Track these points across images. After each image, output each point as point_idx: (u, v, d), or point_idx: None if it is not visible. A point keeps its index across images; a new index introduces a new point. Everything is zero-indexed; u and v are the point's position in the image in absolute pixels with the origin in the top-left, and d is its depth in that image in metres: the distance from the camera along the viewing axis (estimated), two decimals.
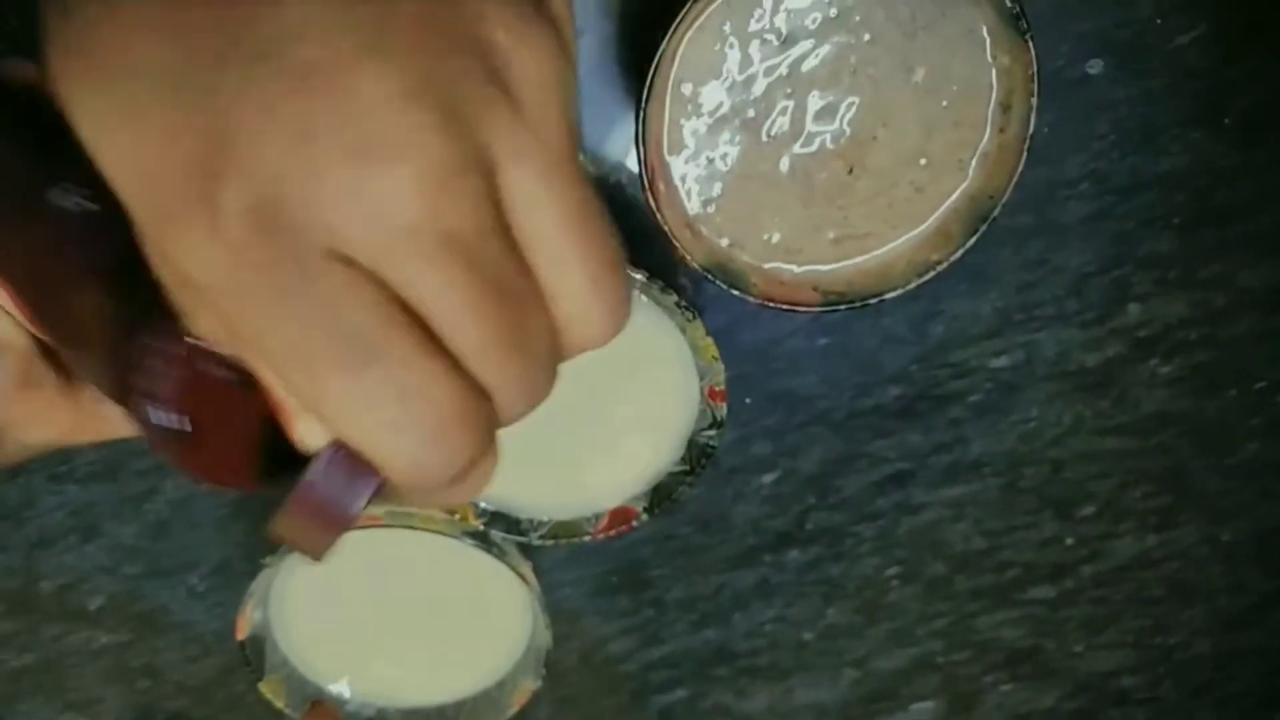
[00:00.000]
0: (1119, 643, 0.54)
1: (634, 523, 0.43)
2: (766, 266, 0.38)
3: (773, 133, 0.36)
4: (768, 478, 0.50)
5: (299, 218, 0.15)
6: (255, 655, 0.45)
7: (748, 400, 0.48)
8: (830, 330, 0.47)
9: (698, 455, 0.42)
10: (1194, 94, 0.43)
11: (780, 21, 0.34)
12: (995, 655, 0.54)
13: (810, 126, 0.36)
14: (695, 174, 0.37)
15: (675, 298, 0.38)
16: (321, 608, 0.46)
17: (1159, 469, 0.50)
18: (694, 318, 0.38)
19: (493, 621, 0.46)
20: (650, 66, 0.33)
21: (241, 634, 0.44)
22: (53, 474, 0.49)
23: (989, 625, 0.54)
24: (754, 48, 0.35)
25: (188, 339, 0.19)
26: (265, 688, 0.46)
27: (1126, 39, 0.41)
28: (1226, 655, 0.55)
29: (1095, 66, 0.42)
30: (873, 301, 0.38)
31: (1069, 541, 0.52)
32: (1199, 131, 0.43)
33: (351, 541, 0.45)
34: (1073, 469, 0.50)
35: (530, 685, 0.46)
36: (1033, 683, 0.55)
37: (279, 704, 0.46)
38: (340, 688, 0.47)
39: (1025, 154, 0.36)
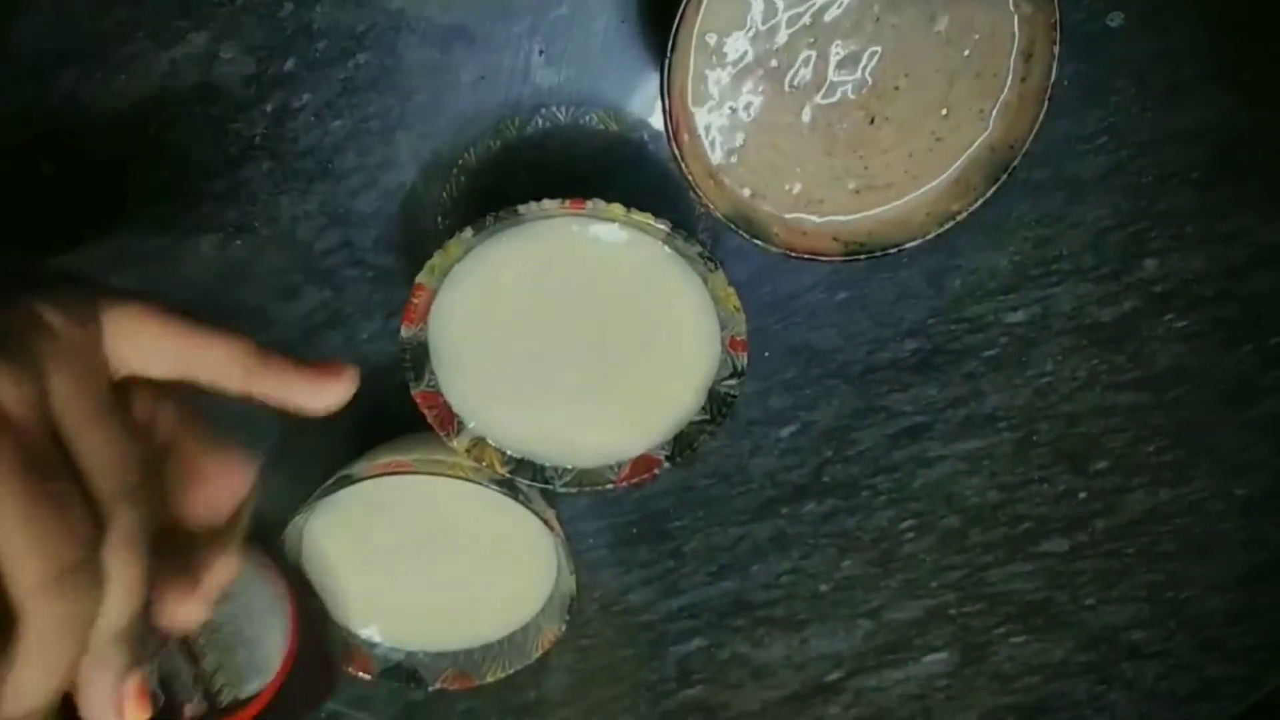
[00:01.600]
0: (1131, 597, 0.55)
1: (656, 471, 0.44)
2: (788, 217, 0.39)
3: (795, 83, 0.37)
4: (786, 431, 0.51)
5: None
6: None
7: (766, 354, 0.49)
8: (848, 284, 0.47)
9: (718, 405, 0.43)
10: (1213, 50, 0.43)
11: None
12: (1008, 607, 0.55)
13: (832, 76, 0.37)
14: (719, 124, 0.37)
15: (698, 248, 0.38)
16: (352, 555, 0.47)
17: (1173, 424, 0.51)
18: (716, 268, 0.39)
19: (519, 568, 0.47)
20: (675, 17, 0.34)
21: None
22: None
23: (1002, 578, 0.55)
24: None
25: None
26: None
27: None
28: (1238, 611, 0.56)
29: (1116, 19, 0.42)
30: (892, 251, 0.38)
31: (1082, 495, 0.53)
32: (1219, 87, 0.43)
33: (380, 489, 0.46)
34: (1087, 423, 0.51)
35: (554, 631, 0.47)
36: (1044, 635, 0.56)
37: None
38: (370, 633, 0.48)
39: (1047, 103, 0.36)
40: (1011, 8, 0.35)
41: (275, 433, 0.50)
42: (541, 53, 0.42)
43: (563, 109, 0.44)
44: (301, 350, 0.48)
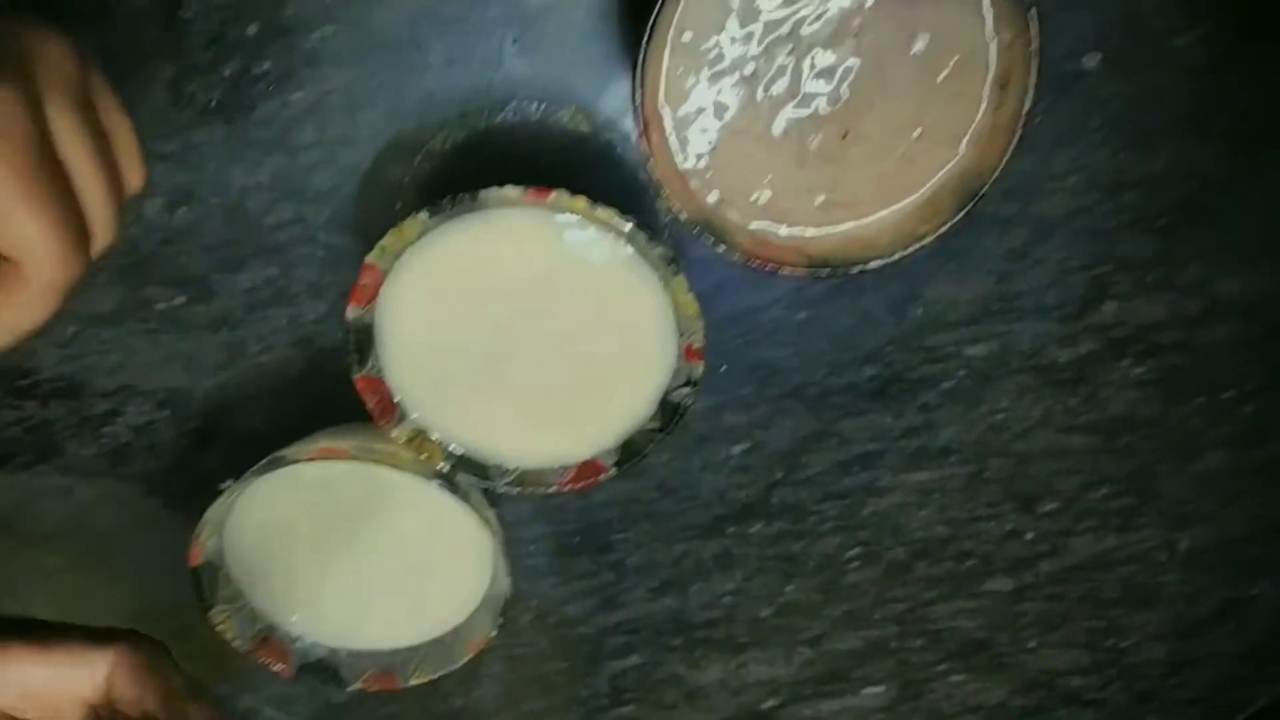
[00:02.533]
0: (1072, 642, 0.55)
1: (601, 477, 0.43)
2: (753, 226, 0.38)
3: (770, 91, 0.36)
4: (737, 448, 0.50)
5: None
6: (207, 584, 0.45)
7: (723, 368, 0.48)
8: (810, 304, 0.47)
9: (670, 414, 0.42)
10: (1188, 97, 0.43)
11: None
12: (949, 644, 0.55)
13: (808, 87, 0.36)
14: (690, 126, 0.37)
15: (660, 250, 0.38)
16: (278, 540, 0.45)
17: (1123, 470, 0.51)
18: (678, 272, 0.38)
19: (452, 568, 0.46)
20: (652, 12, 0.33)
21: (194, 561, 0.44)
22: (13, 388, 0.48)
23: (945, 614, 0.54)
24: (758, 2, 0.35)
25: None
26: (215, 618, 0.45)
27: (1125, 35, 0.42)
28: (1177, 662, 0.55)
29: (1092, 60, 0.42)
30: (856, 270, 0.38)
31: (1029, 536, 0.52)
32: (1190, 135, 0.44)
33: (314, 474, 0.44)
34: (1038, 464, 0.51)
35: (484, 635, 0.45)
36: (984, 675, 0.56)
37: (228, 636, 0.45)
38: (292, 624, 0.46)
39: (1019, 133, 0.36)
40: (990, 34, 0.35)
41: None
42: (515, 41, 0.41)
43: (535, 103, 0.44)
44: (243, 325, 0.47)
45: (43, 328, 0.29)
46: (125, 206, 0.31)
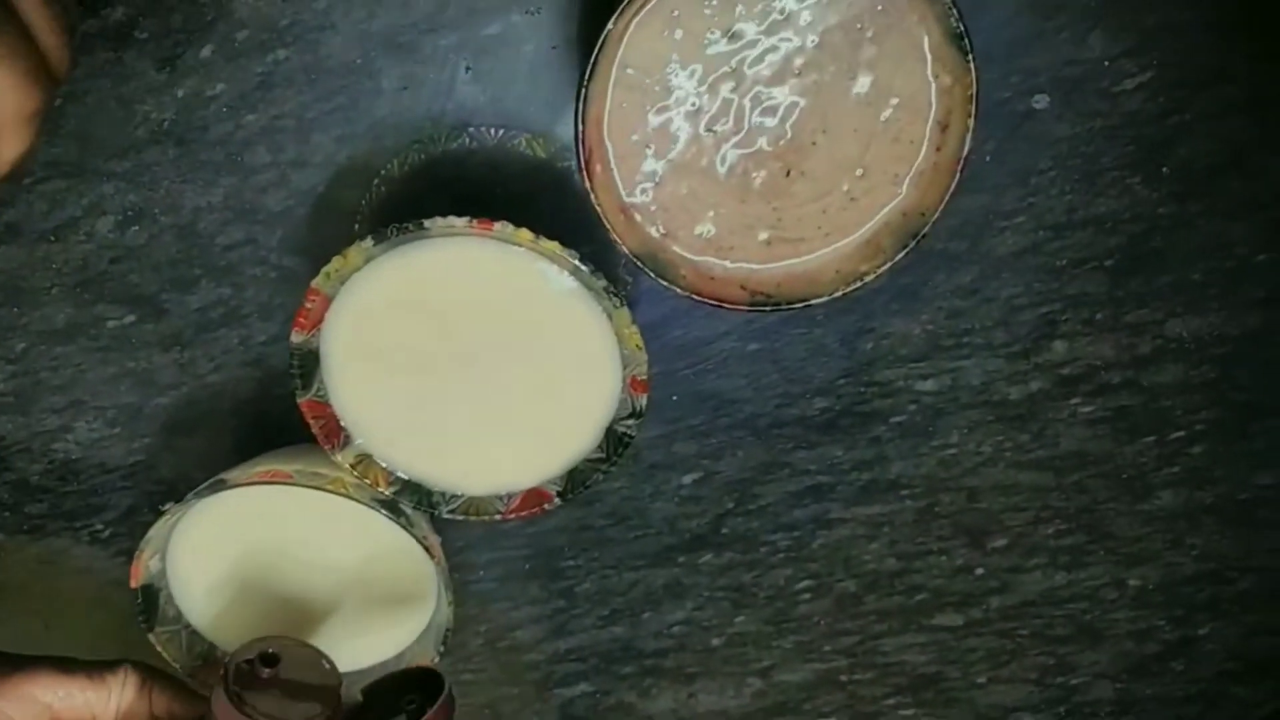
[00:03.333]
0: (1021, 678, 0.55)
1: (546, 506, 0.43)
2: (697, 260, 0.38)
3: (714, 127, 0.36)
4: (688, 478, 0.50)
5: None
6: (148, 605, 0.44)
7: (674, 398, 0.48)
8: (761, 336, 0.47)
9: (615, 444, 0.42)
10: (1136, 139, 0.43)
11: (730, 16, 0.35)
12: (899, 678, 0.55)
13: (752, 124, 0.36)
14: (634, 160, 0.37)
15: (604, 282, 0.38)
16: (221, 563, 0.45)
17: (1072, 508, 0.51)
18: (621, 304, 0.38)
19: (395, 594, 0.46)
20: (595, 46, 0.34)
21: (135, 581, 0.43)
22: None
23: (895, 647, 0.54)
24: (703, 39, 0.35)
25: None
26: (156, 640, 0.45)
27: (1075, 77, 0.42)
28: (1125, 701, 0.55)
29: (1041, 101, 0.43)
30: (799, 306, 0.38)
31: (979, 571, 0.52)
32: (1138, 177, 0.44)
33: (257, 498, 0.44)
34: (988, 499, 0.51)
35: (428, 661, 0.45)
36: (933, 710, 0.55)
37: (168, 657, 0.45)
38: (232, 648, 0.46)
39: (959, 175, 0.36)
40: (930, 77, 0.35)
41: None
42: (468, 69, 0.41)
43: (491, 130, 0.44)
44: (194, 346, 0.47)
45: (21, 165, 0.30)
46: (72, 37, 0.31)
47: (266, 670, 0.38)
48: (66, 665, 0.37)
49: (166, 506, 0.41)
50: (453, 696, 0.39)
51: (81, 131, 0.42)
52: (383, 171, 0.44)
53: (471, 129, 0.43)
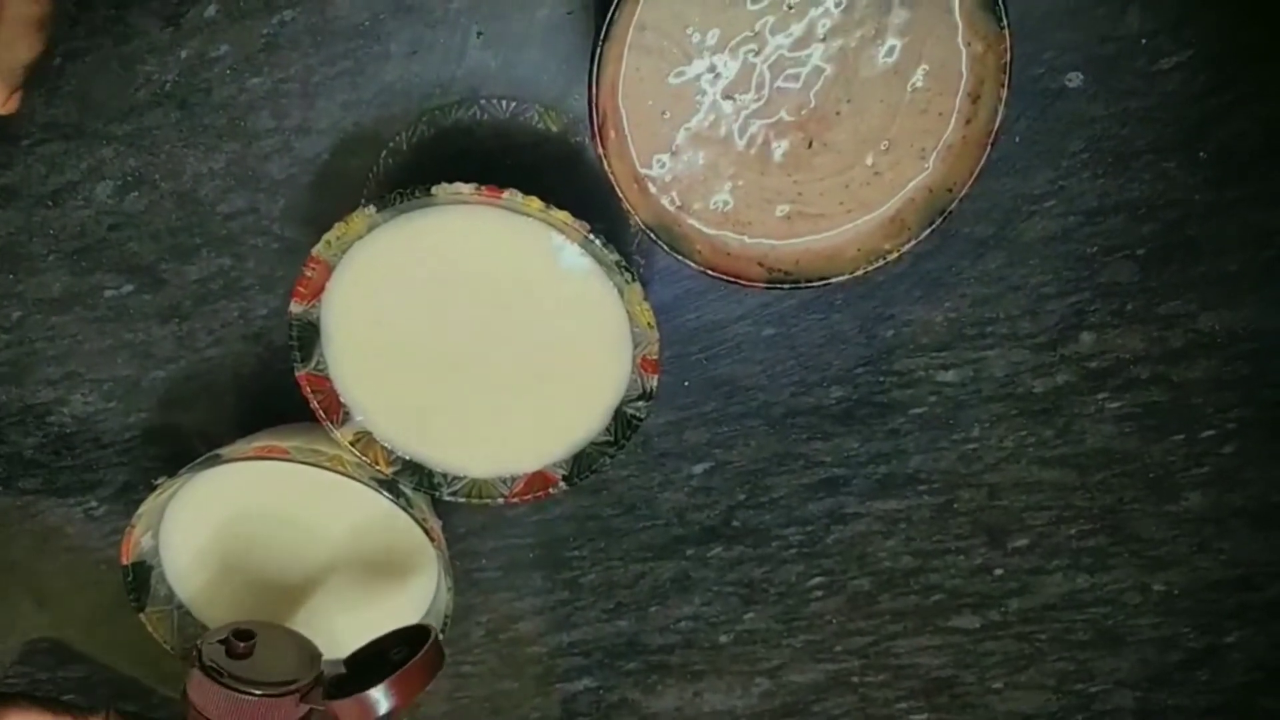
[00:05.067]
0: (1039, 684, 0.53)
1: (551, 490, 0.41)
2: (713, 234, 0.37)
3: (735, 94, 0.35)
4: (699, 468, 0.49)
5: None
6: (139, 583, 0.43)
7: (686, 383, 0.47)
8: (778, 320, 0.45)
9: (623, 427, 0.40)
10: (1173, 121, 0.42)
11: None
12: (912, 682, 0.53)
13: (774, 92, 0.35)
14: (649, 126, 0.35)
15: (616, 257, 0.36)
16: (215, 542, 0.44)
17: (1096, 508, 0.49)
18: (633, 279, 0.37)
19: (394, 578, 0.44)
20: (612, 5, 0.32)
21: (126, 558, 0.42)
22: None
23: (909, 649, 0.52)
24: (725, 1, 0.33)
25: None
26: (147, 620, 0.43)
27: (1110, 55, 0.40)
28: (1146, 711, 0.53)
29: (1075, 80, 0.41)
30: (818, 284, 0.36)
31: (998, 572, 0.50)
32: (1174, 160, 0.42)
33: (253, 474, 0.43)
34: (1009, 497, 0.49)
35: None
36: (947, 715, 0.54)
37: (159, 638, 0.44)
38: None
39: (990, 149, 0.34)
40: (961, 44, 0.34)
41: None
42: (480, 34, 0.40)
43: (503, 102, 0.42)
44: (193, 318, 0.46)
45: (37, 66, 0.31)
46: None
47: (241, 644, 0.37)
48: (51, 705, 0.39)
49: (159, 481, 0.40)
50: (440, 647, 0.37)
51: (81, 92, 0.40)
52: (390, 144, 0.43)
53: (482, 100, 0.42)
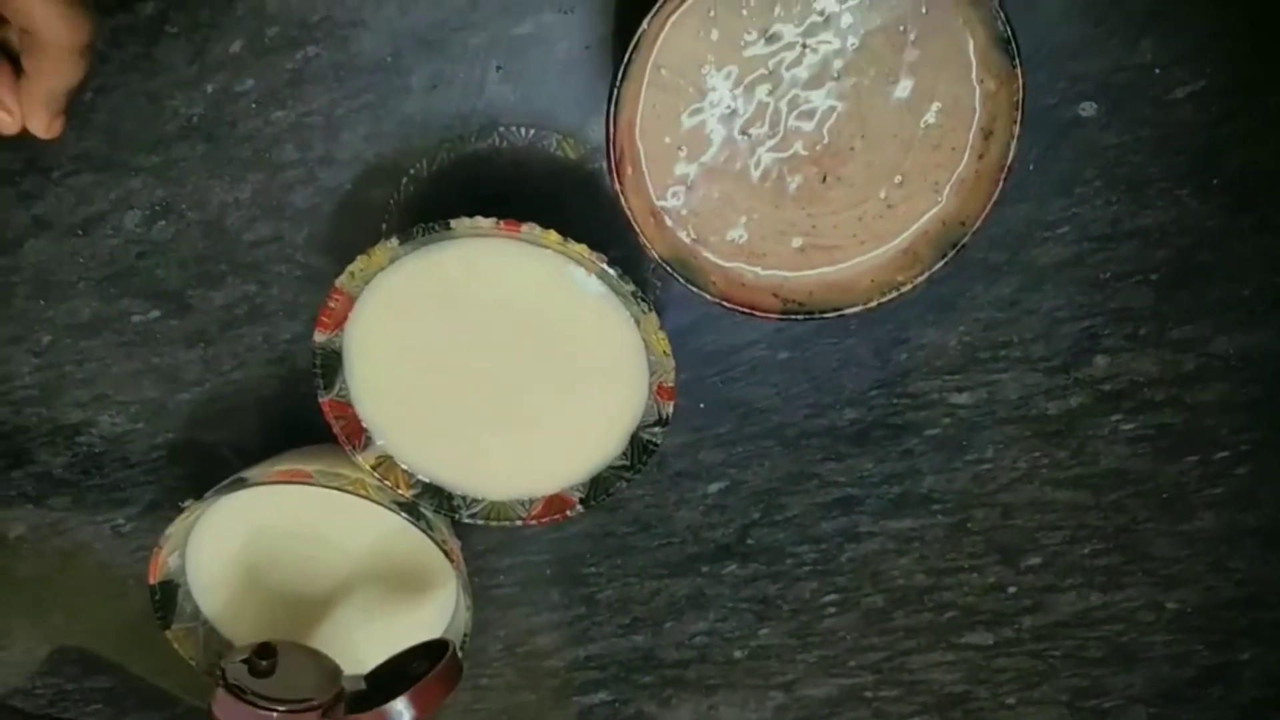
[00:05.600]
0: (1052, 699, 0.53)
1: (569, 512, 0.42)
2: (728, 266, 0.37)
3: (750, 130, 0.36)
4: (714, 487, 0.49)
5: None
6: (166, 601, 0.44)
7: (702, 405, 0.47)
8: (792, 345, 0.46)
9: (639, 451, 0.41)
10: (1185, 149, 0.42)
11: (768, 17, 0.34)
12: (925, 697, 0.53)
13: (788, 129, 0.35)
14: (666, 162, 0.36)
15: (632, 287, 0.37)
16: (239, 561, 0.45)
17: (1110, 527, 0.49)
18: (649, 309, 0.37)
19: (413, 597, 0.45)
20: (629, 46, 0.33)
21: (153, 578, 0.43)
22: None
23: (922, 665, 0.53)
24: (740, 40, 0.34)
25: None
26: (172, 636, 0.44)
27: (1124, 84, 0.41)
28: None
29: (1088, 109, 0.41)
30: (831, 315, 0.37)
31: (1012, 590, 0.51)
32: (1187, 188, 0.43)
33: (277, 497, 0.44)
34: (1023, 516, 0.49)
35: None
36: None
37: (186, 654, 0.45)
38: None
39: (1002, 184, 0.35)
40: (975, 81, 0.34)
41: None
42: (499, 69, 0.41)
43: (522, 130, 0.43)
44: (218, 342, 0.47)
45: (78, 92, 0.32)
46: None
47: (264, 662, 0.38)
48: None
49: (186, 503, 0.41)
50: (459, 660, 0.38)
51: (111, 125, 0.41)
52: (411, 171, 0.43)
53: (501, 128, 0.43)
